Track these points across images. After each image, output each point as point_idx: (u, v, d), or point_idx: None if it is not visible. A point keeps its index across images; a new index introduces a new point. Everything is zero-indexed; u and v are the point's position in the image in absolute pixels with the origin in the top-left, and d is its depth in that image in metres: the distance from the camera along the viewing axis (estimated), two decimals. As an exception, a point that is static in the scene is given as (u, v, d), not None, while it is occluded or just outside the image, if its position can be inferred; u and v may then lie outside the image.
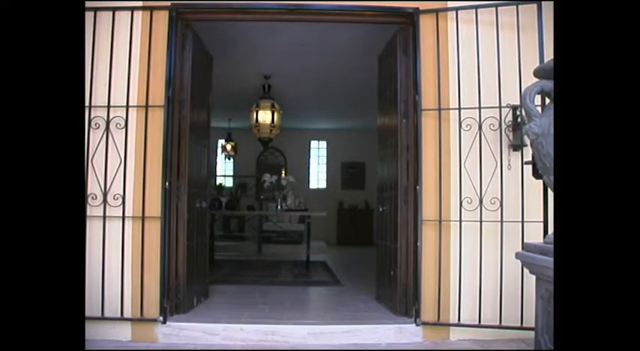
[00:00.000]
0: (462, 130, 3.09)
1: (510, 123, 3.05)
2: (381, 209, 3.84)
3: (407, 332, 3.07)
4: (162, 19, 3.15)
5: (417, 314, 3.09)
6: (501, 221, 2.98)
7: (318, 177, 11.18)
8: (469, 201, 3.05)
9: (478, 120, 3.07)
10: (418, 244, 3.12)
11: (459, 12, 3.15)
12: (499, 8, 3.04)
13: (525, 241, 2.54)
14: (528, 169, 2.81)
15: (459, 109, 3.09)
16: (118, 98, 3.07)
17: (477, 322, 3.02)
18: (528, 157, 2.85)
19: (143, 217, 3.05)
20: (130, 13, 3.12)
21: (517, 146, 3.03)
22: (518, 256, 2.08)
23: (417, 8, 3.21)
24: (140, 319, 3.00)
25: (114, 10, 3.10)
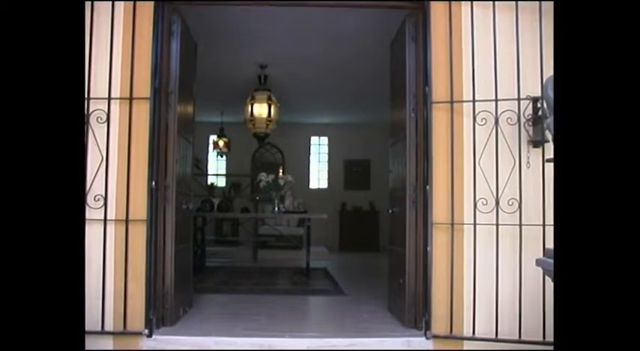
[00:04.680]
0: (476, 124, 3.06)
1: (530, 117, 3.02)
2: (390, 211, 3.83)
3: (416, 346, 3.06)
4: (147, 2, 3.12)
5: (427, 326, 3.08)
6: (520, 224, 2.96)
7: (318, 176, 11.20)
8: (484, 202, 3.03)
9: (494, 113, 3.04)
10: (428, 249, 3.11)
11: (474, -5, 3.12)
12: (518, -9, 3.02)
13: (547, 246, 2.51)
14: (550, 167, 2.77)
15: (474, 101, 3.07)
16: (99, 89, 3.04)
17: (493, 336, 2.99)
18: (550, 154, 2.83)
19: (127, 220, 3.02)
20: (112, -4, 3.10)
21: (537, 142, 3.00)
22: (538, 262, 2.08)
23: (428, -9, 3.19)
24: (123, 333, 2.98)
25: (94, -8, 3.07)
